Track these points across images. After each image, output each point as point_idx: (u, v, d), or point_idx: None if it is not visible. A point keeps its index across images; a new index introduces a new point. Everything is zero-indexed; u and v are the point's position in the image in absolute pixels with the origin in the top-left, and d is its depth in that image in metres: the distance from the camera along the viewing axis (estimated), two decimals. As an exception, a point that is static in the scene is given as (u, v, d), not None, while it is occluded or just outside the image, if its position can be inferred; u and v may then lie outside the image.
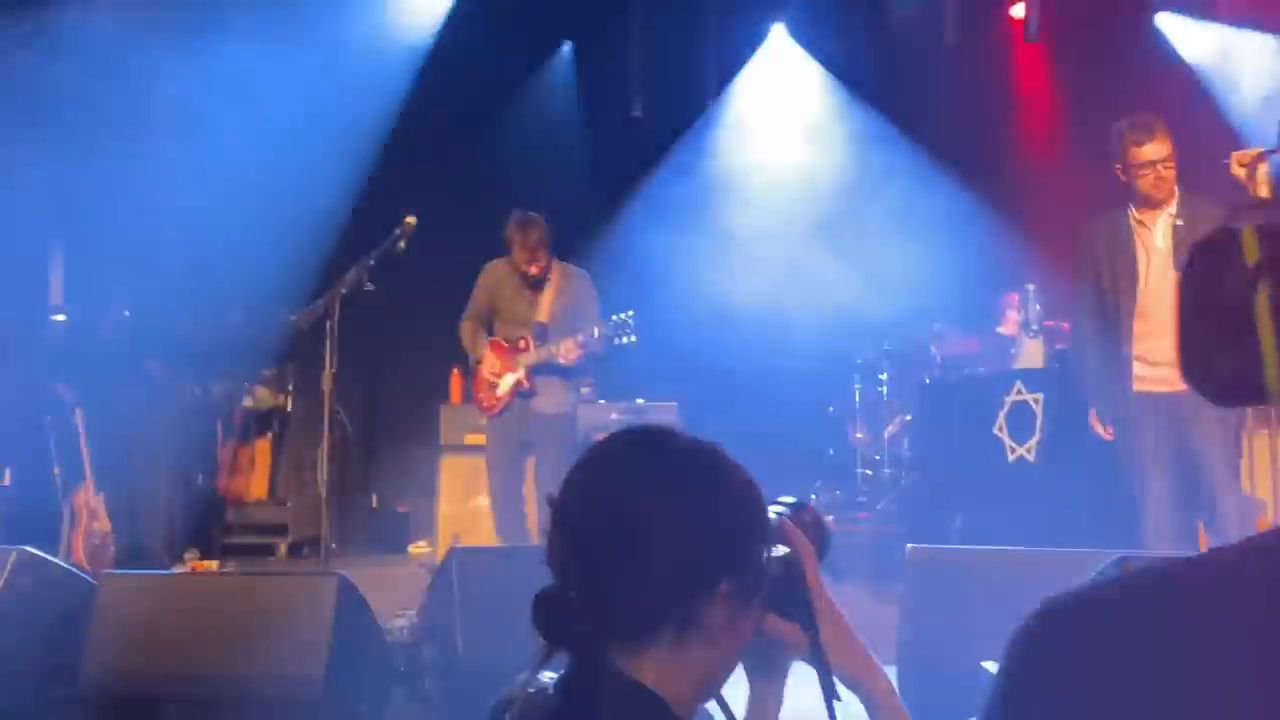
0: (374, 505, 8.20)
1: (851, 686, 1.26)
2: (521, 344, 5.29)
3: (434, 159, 7.80)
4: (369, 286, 4.27)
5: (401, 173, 7.39)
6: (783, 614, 1.25)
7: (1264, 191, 3.99)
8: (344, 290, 4.13)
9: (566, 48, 8.69)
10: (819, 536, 1.38)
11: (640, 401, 7.22)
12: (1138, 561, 1.55)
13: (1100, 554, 1.76)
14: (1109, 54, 7.59)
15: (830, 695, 1.24)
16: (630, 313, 5.07)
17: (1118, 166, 4.28)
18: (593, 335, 5.03)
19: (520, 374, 5.26)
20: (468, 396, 7.29)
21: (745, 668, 1.31)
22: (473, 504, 6.86)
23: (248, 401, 7.87)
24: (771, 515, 1.35)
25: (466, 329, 5.48)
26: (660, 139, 8.49)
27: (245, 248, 6.30)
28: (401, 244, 4.49)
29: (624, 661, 1.14)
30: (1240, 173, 4.02)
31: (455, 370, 7.26)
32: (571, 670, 1.17)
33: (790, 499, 1.41)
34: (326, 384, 3.99)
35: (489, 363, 5.36)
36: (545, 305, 5.30)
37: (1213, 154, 4.19)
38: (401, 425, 7.87)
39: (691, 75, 8.54)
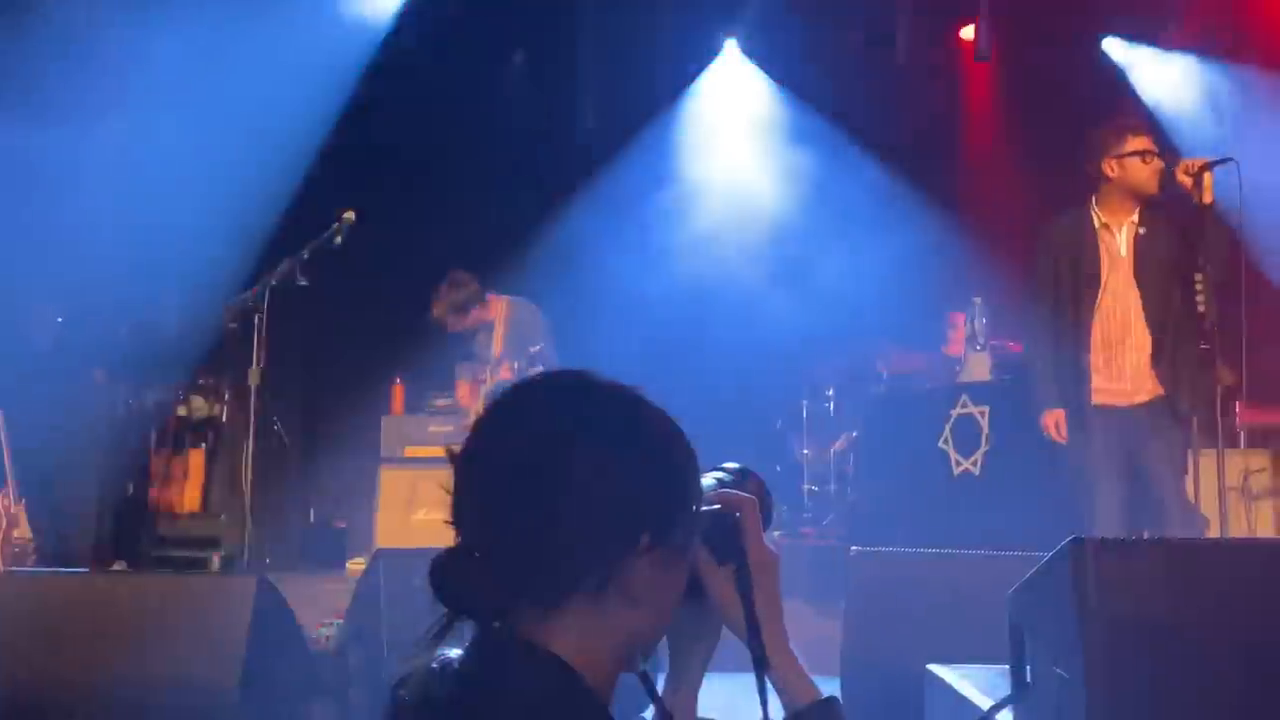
0: (311, 520, 8.00)
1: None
2: (482, 376, 5.81)
3: (381, 160, 7.66)
4: (302, 281, 4.11)
5: (347, 174, 7.23)
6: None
7: (1208, 198, 4.03)
8: (274, 282, 3.96)
9: (519, 55, 8.59)
10: (762, 506, 1.29)
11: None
12: (1090, 542, 1.47)
13: (1042, 556, 1.68)
14: (1059, 77, 7.66)
15: (761, 666, 1.14)
16: (539, 346, 5.42)
17: (1107, 162, 4.25)
18: (528, 355, 5.45)
19: (479, 405, 5.73)
20: (410, 408, 7.17)
21: (668, 638, 1.19)
22: (414, 519, 6.71)
23: (181, 410, 7.64)
24: (712, 480, 1.25)
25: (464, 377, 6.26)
26: (611, 149, 8.40)
27: (180, 249, 6.12)
28: (338, 239, 4.33)
29: (533, 628, 1.03)
30: (1186, 181, 4.06)
31: (397, 381, 7.12)
32: (475, 640, 1.05)
33: (734, 464, 1.32)
34: (254, 380, 3.81)
35: (463, 399, 6.06)
36: (497, 340, 5.77)
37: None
38: (340, 437, 7.67)
39: (644, 87, 8.48)
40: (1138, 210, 4.29)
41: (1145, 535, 4.31)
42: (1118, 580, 1.49)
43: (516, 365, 5.50)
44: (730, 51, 8.56)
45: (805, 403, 7.49)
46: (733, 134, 8.30)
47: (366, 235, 4.65)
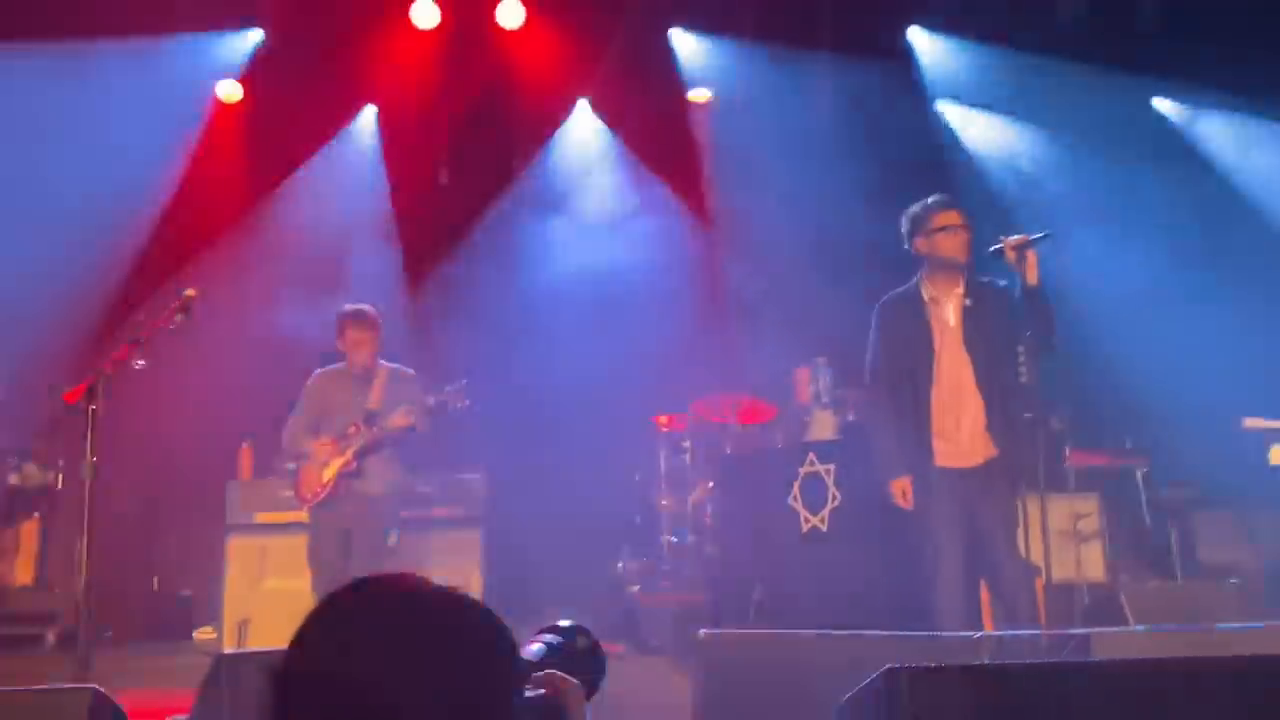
0: (155, 589, 7.66)
1: None
2: (351, 429, 5.48)
3: (220, 224, 7.48)
4: (139, 363, 3.96)
5: (185, 238, 7.05)
6: None
7: (1032, 277, 4.24)
8: (109, 373, 3.80)
9: (369, 110, 8.47)
10: (593, 664, 1.31)
11: (447, 473, 7.04)
12: (904, 671, 1.54)
13: (889, 638, 1.76)
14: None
15: None
16: (464, 381, 5.44)
17: (918, 240, 4.49)
18: (426, 403, 5.39)
19: (347, 455, 5.43)
20: (260, 471, 6.95)
21: None
22: (263, 587, 6.51)
23: (14, 479, 7.24)
24: (541, 646, 1.28)
25: (291, 438, 5.62)
26: (468, 206, 8.39)
27: (12, 311, 5.85)
28: (179, 317, 4.20)
29: None
30: (1012, 256, 4.26)
31: (245, 445, 6.90)
32: None
33: (566, 623, 1.34)
34: (87, 475, 3.64)
35: (318, 452, 5.49)
36: (376, 395, 5.54)
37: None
38: (186, 503, 7.40)
39: (500, 144, 8.51)
40: (962, 282, 4.51)
41: (981, 584, 4.53)
42: (930, 707, 1.57)
43: (409, 407, 5.35)
44: (582, 110, 8.66)
45: (663, 453, 7.57)
46: (587, 193, 8.38)
47: (214, 297, 4.54)
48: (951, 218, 4.49)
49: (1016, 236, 4.30)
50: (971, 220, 4.56)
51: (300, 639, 1.10)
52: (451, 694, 1.07)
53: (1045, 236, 4.28)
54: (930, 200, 4.55)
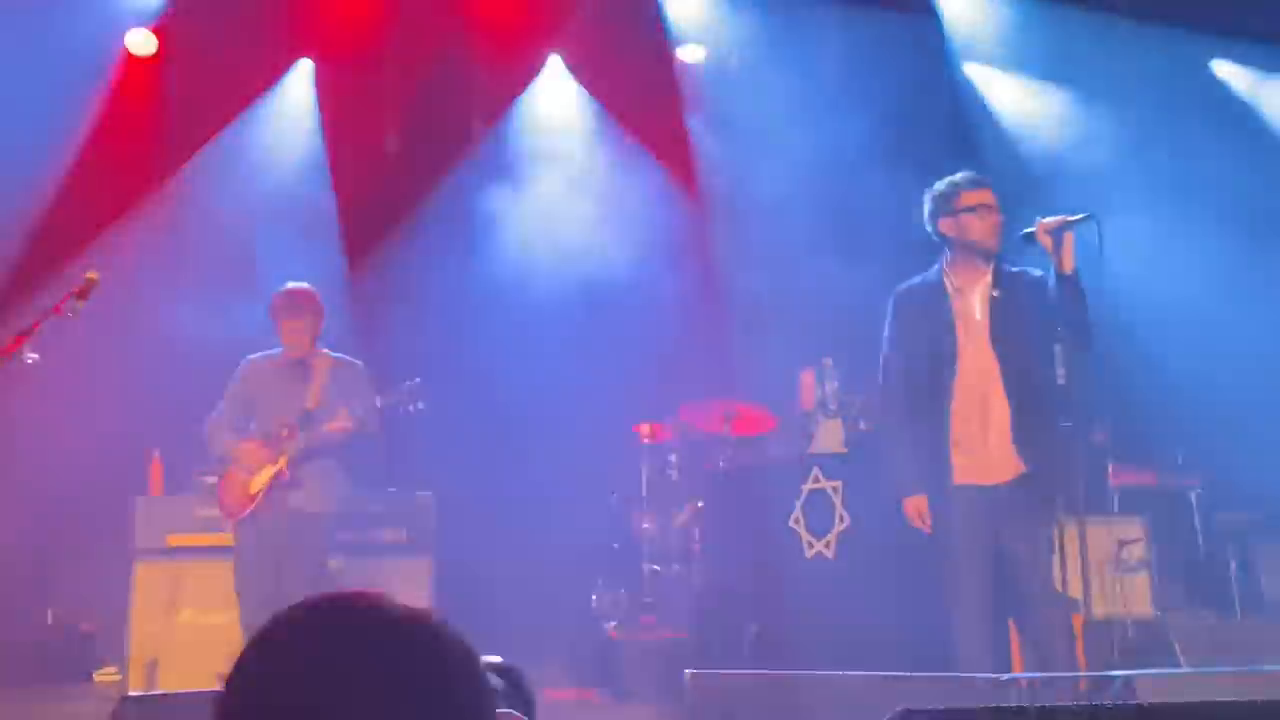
0: (50, 623, 7.62)
1: None
2: (284, 432, 5.40)
3: (128, 197, 7.46)
4: (31, 357, 3.95)
5: (87, 213, 7.03)
6: None
7: (1068, 264, 4.27)
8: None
9: (304, 65, 8.44)
10: (523, 702, 1.35)
11: (393, 491, 7.04)
12: (921, 716, 1.56)
13: (902, 679, 1.77)
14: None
15: None
16: (417, 380, 5.42)
17: (943, 221, 4.53)
18: (372, 405, 5.35)
19: (280, 464, 5.36)
20: (172, 486, 6.92)
21: None
22: (177, 621, 6.49)
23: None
24: None
25: (215, 433, 5.55)
26: (419, 178, 8.38)
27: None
28: (79, 304, 4.19)
29: None
30: (1047, 241, 4.29)
31: (155, 456, 6.86)
32: None
33: (494, 659, 1.38)
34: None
35: (243, 456, 5.41)
36: (314, 393, 5.45)
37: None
38: (86, 523, 7.34)
39: (458, 106, 8.49)
40: (990, 271, 4.55)
41: (1010, 625, 4.57)
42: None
43: (353, 408, 5.34)
44: (554, 67, 8.67)
45: (645, 468, 7.58)
46: (557, 161, 8.38)
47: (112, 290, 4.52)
48: (983, 196, 4.53)
49: (1053, 218, 4.33)
50: (1003, 202, 4.61)
51: (240, 669, 1.11)
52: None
53: (1085, 219, 4.29)
54: (959, 177, 4.59)
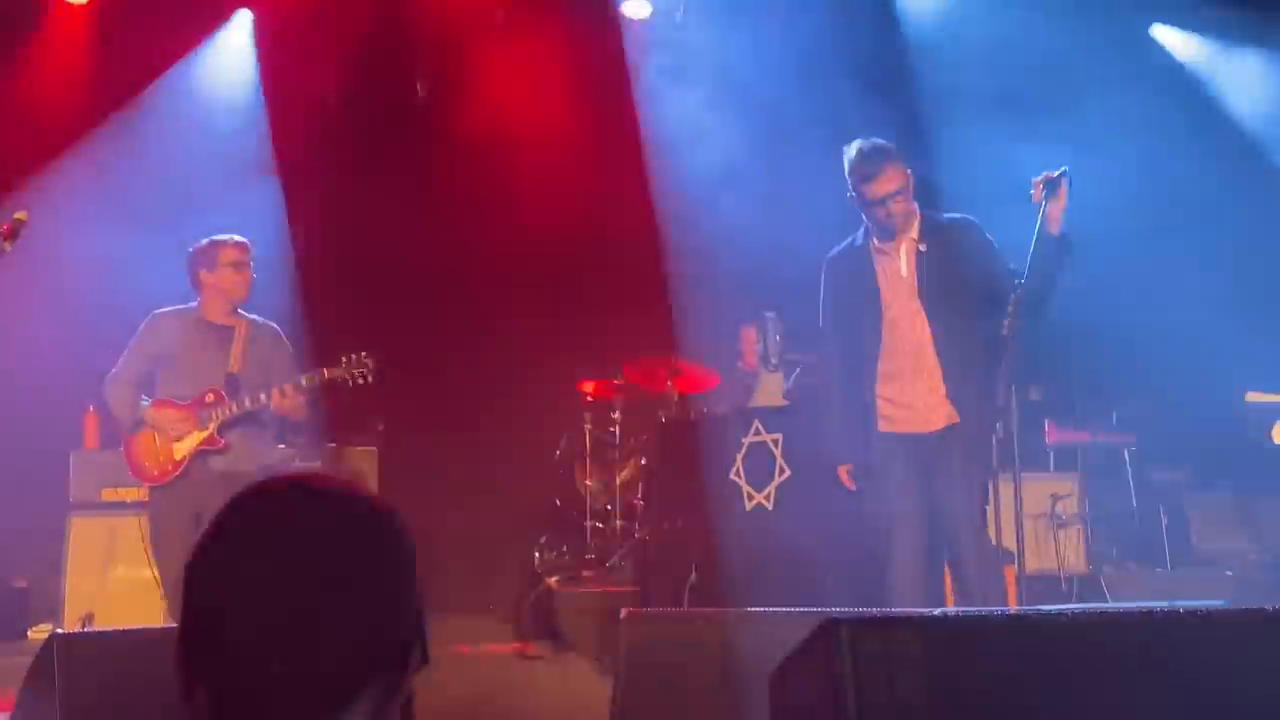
0: (-18, 580, 7.52)
1: None
2: (209, 397, 5.17)
3: (58, 146, 7.33)
4: (-41, 300, 3.88)
5: (15, 160, 6.91)
6: None
7: (1055, 225, 4.12)
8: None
9: (244, 15, 8.30)
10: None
11: (332, 446, 7.01)
12: (845, 622, 1.60)
13: (823, 613, 1.81)
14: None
15: None
16: (364, 354, 5.18)
17: (851, 195, 4.51)
18: (319, 375, 5.14)
19: (210, 429, 5.15)
20: (108, 440, 6.84)
21: None
22: (112, 576, 6.44)
23: None
24: None
25: (117, 392, 5.25)
26: (361, 134, 8.28)
27: None
28: (7, 245, 4.12)
29: None
30: (1039, 196, 4.11)
31: (90, 409, 6.78)
32: None
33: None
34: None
35: (165, 422, 5.15)
36: (236, 355, 5.24)
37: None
38: (19, 477, 7.23)
39: (402, 57, 8.40)
40: (916, 224, 4.50)
41: (945, 568, 4.63)
42: (873, 659, 1.62)
43: (300, 381, 5.13)
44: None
45: (588, 426, 7.61)
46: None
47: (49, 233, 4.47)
48: (877, 189, 4.40)
49: (1040, 176, 4.14)
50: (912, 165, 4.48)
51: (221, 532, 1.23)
52: (374, 601, 1.21)
53: (1062, 174, 4.12)
54: (859, 161, 4.44)
